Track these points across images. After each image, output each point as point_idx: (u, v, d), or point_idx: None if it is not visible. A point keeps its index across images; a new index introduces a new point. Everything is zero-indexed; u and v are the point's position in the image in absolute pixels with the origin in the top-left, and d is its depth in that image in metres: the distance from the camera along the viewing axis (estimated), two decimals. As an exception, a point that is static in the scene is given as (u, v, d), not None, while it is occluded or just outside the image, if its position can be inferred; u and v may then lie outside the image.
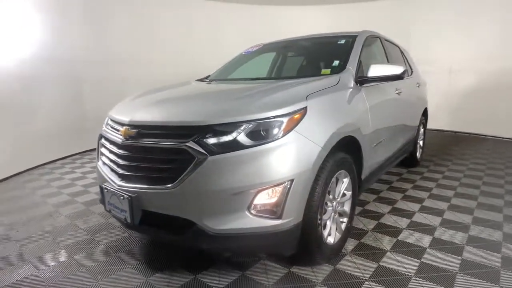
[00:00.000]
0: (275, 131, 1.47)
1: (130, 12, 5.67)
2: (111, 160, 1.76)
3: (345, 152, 1.90)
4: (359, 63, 2.30)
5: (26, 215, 2.70)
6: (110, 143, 1.81)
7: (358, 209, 2.69)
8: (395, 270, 1.81)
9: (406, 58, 3.76)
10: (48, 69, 4.35)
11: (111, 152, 1.78)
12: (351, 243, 2.12)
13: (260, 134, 1.47)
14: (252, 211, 1.45)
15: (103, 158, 1.88)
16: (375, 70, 2.23)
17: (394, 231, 2.28)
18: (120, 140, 1.68)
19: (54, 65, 4.44)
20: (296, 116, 1.54)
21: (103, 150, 1.90)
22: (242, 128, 1.46)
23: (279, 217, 1.47)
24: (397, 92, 2.84)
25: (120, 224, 2.14)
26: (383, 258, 1.93)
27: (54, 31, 4.48)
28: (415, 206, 2.74)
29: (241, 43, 4.34)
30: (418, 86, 3.72)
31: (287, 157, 1.47)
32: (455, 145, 5.41)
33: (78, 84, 4.93)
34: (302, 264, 1.85)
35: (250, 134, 1.46)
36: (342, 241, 1.98)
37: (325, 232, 1.79)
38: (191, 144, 1.45)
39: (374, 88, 2.40)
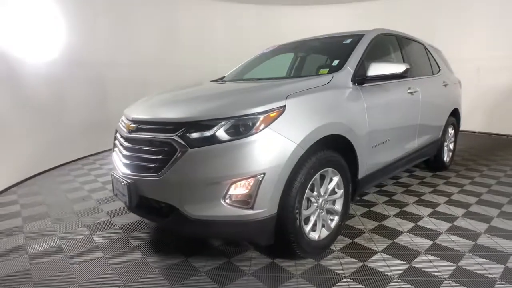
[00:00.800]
0: (250, 127, 1.58)
1: (152, 16, 5.93)
2: (119, 151, 2.01)
3: (333, 150, 1.93)
4: (361, 62, 2.28)
5: (65, 197, 3.14)
6: (120, 136, 2.07)
7: (362, 209, 2.67)
8: (378, 271, 1.80)
9: (432, 56, 3.56)
10: (76, 71, 4.58)
11: (120, 144, 2.03)
12: (343, 241, 2.14)
13: (238, 130, 1.59)
14: (227, 201, 1.58)
15: (116, 149, 2.15)
16: (375, 69, 2.21)
17: (392, 234, 2.23)
18: (125, 133, 1.93)
19: (82, 67, 4.67)
20: (273, 114, 1.63)
21: (116, 142, 2.17)
22: (221, 124, 1.60)
23: (251, 208, 1.58)
24: (409, 91, 2.74)
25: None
26: (371, 259, 1.92)
27: (81, 34, 4.70)
28: (425, 211, 2.62)
29: (261, 44, 4.45)
30: (445, 85, 3.50)
31: (260, 152, 1.56)
32: (499, 149, 4.94)
33: (104, 86, 5.15)
34: (286, 257, 1.92)
35: (229, 130, 1.59)
36: (330, 239, 2.01)
37: (307, 227, 1.84)
38: (175, 137, 1.63)
39: (378, 87, 2.37)
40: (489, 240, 2.12)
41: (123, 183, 1.82)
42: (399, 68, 2.18)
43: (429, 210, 2.63)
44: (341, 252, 2.00)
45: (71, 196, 3.18)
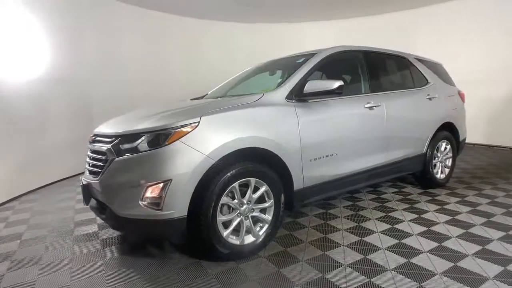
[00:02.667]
0: (163, 140, 1.86)
1: (139, 35, 5.96)
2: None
3: (257, 162, 2.11)
4: (302, 80, 2.42)
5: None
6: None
7: (319, 221, 2.72)
8: (289, 278, 1.89)
9: (417, 69, 3.47)
10: (59, 89, 4.47)
11: (87, 153, 2.45)
12: (273, 249, 2.25)
13: (155, 142, 1.88)
14: (144, 202, 1.86)
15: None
16: (311, 87, 2.33)
17: (330, 245, 2.28)
18: (88, 145, 2.34)
19: (66, 85, 4.58)
20: (186, 129, 1.89)
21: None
22: (142, 137, 1.90)
23: (161, 209, 1.83)
24: (368, 106, 2.75)
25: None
26: (290, 266, 2.01)
27: (65, 52, 4.60)
28: (381, 226, 2.58)
29: (250, 61, 4.64)
30: (430, 98, 3.37)
31: (168, 161, 1.82)
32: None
33: (87, 103, 5.03)
34: (211, 259, 2.10)
35: (148, 142, 1.89)
36: (257, 245, 2.15)
37: (225, 231, 2.02)
38: (109, 147, 1.98)
39: (320, 104, 2.47)
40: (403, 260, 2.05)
41: (81, 185, 2.22)
42: (333, 84, 2.27)
43: (386, 226, 2.58)
44: (266, 258, 2.12)
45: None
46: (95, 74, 5.14)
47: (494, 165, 4.69)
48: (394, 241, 2.31)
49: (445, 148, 3.65)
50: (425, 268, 1.94)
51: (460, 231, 2.46)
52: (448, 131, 3.64)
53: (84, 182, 2.18)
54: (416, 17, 6.83)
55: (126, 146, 1.93)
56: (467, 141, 5.80)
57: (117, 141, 1.97)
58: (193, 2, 5.88)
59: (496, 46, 6.05)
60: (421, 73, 3.51)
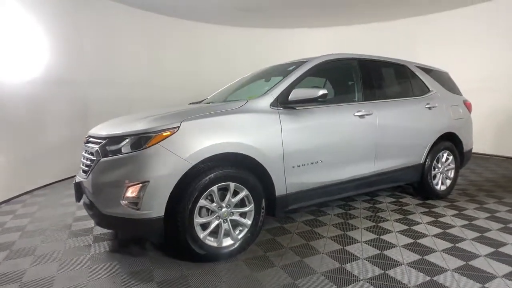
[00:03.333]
0: (144, 143, 1.95)
1: (138, 38, 5.95)
2: (83, 158, 2.59)
3: (236, 167, 2.16)
4: (288, 88, 2.45)
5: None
6: None
7: (304, 228, 2.73)
8: (261, 282, 1.93)
9: (419, 78, 3.41)
10: (58, 90, 4.49)
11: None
12: (253, 253, 2.28)
13: (137, 145, 1.98)
14: (124, 201, 1.96)
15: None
16: (296, 94, 2.37)
17: (309, 252, 2.29)
18: (83, 145, 2.49)
19: (65, 87, 4.61)
20: (166, 133, 1.97)
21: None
22: (126, 140, 2.01)
23: (139, 209, 1.92)
24: (358, 114, 2.74)
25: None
26: (265, 270, 2.04)
27: (63, 53, 4.60)
28: (367, 236, 2.55)
29: (248, 66, 4.69)
30: (430, 108, 3.29)
31: (146, 163, 1.91)
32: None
33: (86, 105, 5.02)
34: (189, 260, 2.17)
35: (131, 145, 1.99)
36: (235, 248, 2.20)
37: (202, 233, 2.09)
38: (97, 149, 2.11)
39: (306, 111, 2.49)
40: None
41: (74, 183, 2.37)
42: (316, 92, 2.30)
43: (372, 236, 2.56)
44: (242, 261, 2.17)
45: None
46: (94, 76, 5.13)
47: (507, 178, 4.48)
48: (375, 252, 2.29)
49: (447, 159, 3.54)
50: (399, 281, 1.91)
51: (448, 245, 2.39)
52: (451, 141, 3.53)
53: (77, 180, 2.32)
54: (418, 25, 6.79)
55: (111, 148, 2.04)
56: (483, 151, 5.65)
57: (104, 142, 2.09)
58: (193, 6, 5.85)
59: (500, 54, 5.90)
60: (422, 81, 3.43)
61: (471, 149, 3.85)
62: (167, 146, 1.95)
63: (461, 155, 3.68)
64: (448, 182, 3.58)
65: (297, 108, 2.47)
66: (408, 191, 3.82)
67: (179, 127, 2.01)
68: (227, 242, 2.19)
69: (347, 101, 2.85)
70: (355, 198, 3.58)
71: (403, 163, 3.12)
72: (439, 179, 3.49)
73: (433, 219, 2.93)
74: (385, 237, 2.55)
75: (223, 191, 2.18)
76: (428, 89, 3.44)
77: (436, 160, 3.43)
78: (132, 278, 1.97)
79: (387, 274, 1.99)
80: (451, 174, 3.60)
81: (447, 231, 2.65)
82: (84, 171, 2.27)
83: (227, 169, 2.12)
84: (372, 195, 3.69)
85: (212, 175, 2.06)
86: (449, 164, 3.57)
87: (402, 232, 2.64)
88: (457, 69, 6.08)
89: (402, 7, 6.23)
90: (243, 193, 2.21)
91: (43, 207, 3.47)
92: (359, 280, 1.92)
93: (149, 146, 1.94)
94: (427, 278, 1.94)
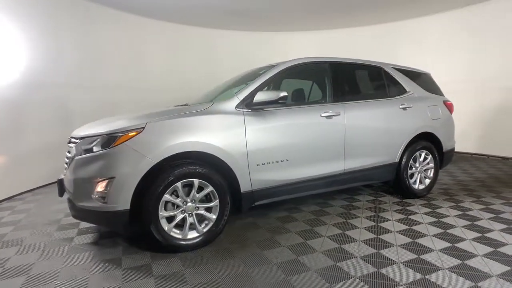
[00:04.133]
0: (111, 143, 2.15)
1: (120, 40, 5.84)
2: (68, 158, 2.82)
3: (200, 164, 2.33)
4: (255, 91, 2.60)
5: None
6: None
7: (275, 224, 2.86)
8: (212, 271, 2.08)
9: (395, 79, 3.48)
10: (37, 94, 4.41)
11: None
12: (214, 246, 2.43)
13: (106, 144, 2.18)
14: (95, 195, 2.16)
15: None
16: (259, 97, 2.52)
17: (270, 245, 2.42)
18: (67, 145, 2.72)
19: (44, 90, 4.51)
20: (132, 133, 2.16)
21: None
22: (97, 139, 2.21)
23: (106, 202, 2.12)
24: (325, 115, 2.86)
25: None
26: (226, 260, 2.19)
27: (42, 57, 4.51)
28: (332, 231, 2.65)
29: (233, 68, 4.78)
30: (405, 108, 3.36)
31: (113, 160, 2.11)
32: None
33: (67, 109, 4.93)
34: (156, 251, 2.35)
35: (101, 144, 2.19)
36: (200, 241, 2.36)
37: (166, 226, 2.26)
38: (73, 148, 2.32)
39: (273, 113, 2.63)
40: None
41: (58, 180, 2.59)
42: (276, 95, 2.45)
43: (337, 231, 2.66)
44: (207, 253, 2.33)
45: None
46: (75, 79, 5.05)
47: (496, 178, 4.45)
48: (334, 245, 2.40)
49: (425, 159, 3.59)
50: (346, 272, 2.02)
51: (407, 240, 2.47)
52: (429, 141, 3.58)
53: (60, 177, 2.55)
54: (401, 29, 7.04)
55: (84, 147, 2.25)
56: (479, 151, 5.60)
57: (79, 142, 2.30)
58: (179, 8, 5.81)
59: (484, 56, 6.07)
60: (399, 82, 3.51)
61: (452, 149, 3.88)
62: (132, 145, 2.14)
63: (441, 155, 3.71)
64: (428, 181, 3.63)
65: (266, 109, 2.61)
66: (389, 190, 3.88)
67: (144, 127, 2.20)
68: (192, 234, 2.36)
69: (316, 103, 2.98)
70: (334, 196, 3.67)
71: (376, 162, 3.20)
72: (416, 178, 3.55)
73: (403, 216, 3.00)
74: (349, 232, 2.65)
75: (190, 187, 2.35)
76: (405, 90, 3.51)
77: (413, 160, 3.49)
78: (102, 265, 2.16)
79: (338, 266, 2.09)
80: (430, 173, 3.64)
81: (412, 227, 2.72)
82: (65, 169, 2.49)
83: (191, 167, 2.29)
84: (353, 193, 3.78)
85: (175, 172, 2.23)
86: (428, 164, 3.62)
87: (367, 228, 2.73)
88: (445, 70, 6.24)
89: (388, 12, 6.42)
90: (208, 189, 2.37)
91: (41, 204, 3.74)
92: (309, 270, 2.04)
93: (116, 145, 2.14)
94: (374, 269, 2.04)
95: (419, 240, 2.45)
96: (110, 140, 2.17)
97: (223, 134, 2.40)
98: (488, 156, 6.13)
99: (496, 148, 6.05)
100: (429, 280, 1.89)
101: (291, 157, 2.69)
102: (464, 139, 6.17)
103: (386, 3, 5.90)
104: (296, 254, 2.27)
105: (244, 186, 2.51)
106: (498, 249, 2.27)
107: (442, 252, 2.24)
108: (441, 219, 2.89)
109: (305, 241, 2.50)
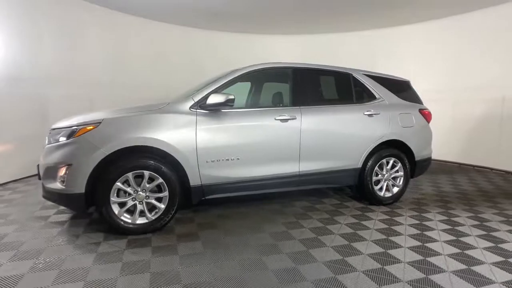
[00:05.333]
0: (72, 134, 2.48)
1: (102, 38, 5.80)
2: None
3: (151, 158, 2.60)
4: (209, 93, 2.81)
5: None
6: None
7: (222, 211, 3.06)
8: (152, 254, 2.33)
9: (364, 85, 3.54)
10: (15, 87, 4.38)
11: None
12: (166, 233, 2.69)
13: (69, 135, 2.51)
14: (58, 180, 2.50)
15: None
16: (211, 99, 2.74)
17: (209, 239, 2.63)
18: None
19: (22, 84, 4.49)
20: (89, 127, 2.48)
21: None
22: (62, 131, 2.56)
23: (65, 186, 2.45)
24: (280, 118, 3.00)
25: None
26: (164, 249, 2.44)
27: (21, 50, 4.51)
28: (277, 228, 2.81)
29: (214, 68, 4.83)
30: (371, 115, 3.40)
31: (71, 150, 2.43)
32: None
33: (47, 103, 4.91)
34: (111, 232, 2.65)
35: (66, 136, 2.53)
36: (147, 226, 2.62)
37: (117, 210, 2.54)
38: (46, 138, 2.69)
39: (227, 114, 2.84)
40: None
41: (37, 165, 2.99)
42: (224, 98, 2.66)
43: (281, 229, 2.80)
44: (154, 235, 2.59)
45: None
46: (53, 74, 4.99)
47: (481, 191, 4.30)
48: (271, 242, 2.56)
49: (394, 166, 3.60)
50: (259, 264, 2.18)
51: (344, 242, 2.56)
52: (399, 149, 3.59)
53: (38, 163, 2.94)
54: (381, 37, 7.17)
55: (53, 137, 2.61)
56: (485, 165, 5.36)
57: (50, 133, 2.66)
58: (164, 7, 5.79)
59: (463, 66, 6.16)
60: (368, 89, 3.55)
61: (426, 159, 3.83)
62: (88, 137, 2.46)
63: (412, 164, 3.69)
64: (396, 189, 3.63)
65: (223, 111, 2.83)
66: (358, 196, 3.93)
67: (100, 122, 2.51)
68: (142, 220, 2.63)
69: (274, 106, 3.13)
70: (301, 197, 3.79)
71: (335, 166, 3.28)
72: (383, 185, 3.57)
73: (356, 221, 3.07)
74: (293, 231, 2.78)
75: (143, 177, 2.62)
76: (374, 96, 3.55)
77: (379, 166, 3.51)
78: (62, 238, 2.50)
79: (263, 262, 2.26)
80: (400, 181, 3.64)
81: (357, 232, 2.80)
82: (43, 155, 2.88)
83: (142, 159, 2.57)
84: (319, 196, 3.87)
85: (127, 163, 2.52)
86: (396, 171, 3.62)
87: (313, 229, 2.84)
88: (425, 79, 6.36)
89: (371, 19, 6.54)
90: (158, 181, 2.63)
91: (35, 189, 4.23)
92: (234, 260, 2.23)
93: (76, 137, 2.47)
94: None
95: (355, 245, 2.53)
96: (72, 132, 2.50)
97: (173, 132, 2.65)
98: (492, 169, 5.85)
99: (500, 161, 5.77)
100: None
101: (242, 156, 2.88)
102: (472, 150, 6.08)
103: (371, 10, 5.99)
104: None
105: (194, 180, 2.74)
106: (428, 259, 2.31)
107: (370, 257, 2.32)
108: (391, 227, 2.93)
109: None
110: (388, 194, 3.59)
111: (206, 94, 2.82)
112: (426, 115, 3.80)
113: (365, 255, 2.36)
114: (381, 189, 3.56)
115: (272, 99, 3.40)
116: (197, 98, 2.82)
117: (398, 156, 3.58)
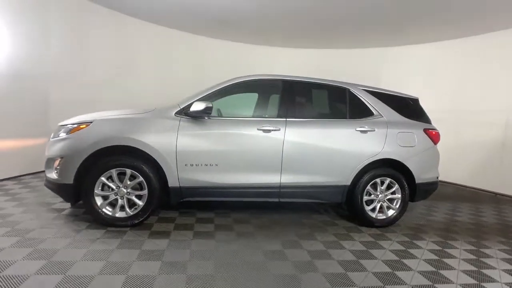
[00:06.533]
0: (67, 131, 2.81)
1: (111, 38, 5.83)
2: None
3: (133, 157, 2.82)
4: (193, 102, 2.95)
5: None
6: None
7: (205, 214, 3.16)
8: (125, 244, 2.51)
9: (359, 100, 3.43)
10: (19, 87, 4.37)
11: None
12: (145, 228, 2.87)
13: (67, 132, 2.84)
14: (54, 170, 2.84)
15: None
16: (193, 107, 2.89)
17: (177, 240, 2.74)
18: None
19: (26, 83, 4.50)
20: (82, 126, 2.78)
21: None
22: (63, 128, 2.90)
23: (58, 176, 2.76)
24: (263, 129, 3.03)
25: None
26: (136, 241, 2.62)
27: (26, 49, 4.51)
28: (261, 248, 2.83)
29: (219, 76, 4.87)
30: (365, 131, 3.26)
31: (65, 145, 2.74)
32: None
33: (51, 103, 4.94)
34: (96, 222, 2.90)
35: (65, 132, 2.87)
36: (126, 220, 2.83)
37: (100, 202, 2.78)
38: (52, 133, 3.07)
39: (211, 122, 2.97)
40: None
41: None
42: (202, 106, 2.80)
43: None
44: (132, 231, 2.78)
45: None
46: (59, 74, 5.03)
47: (497, 224, 3.82)
48: (236, 246, 2.59)
49: (390, 187, 3.40)
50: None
51: (313, 267, 2.50)
52: (397, 169, 3.38)
53: (49, 154, 3.35)
54: (385, 55, 7.30)
55: (57, 132, 2.97)
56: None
57: (56, 129, 3.04)
58: (170, 13, 5.81)
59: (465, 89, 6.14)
60: (365, 105, 3.43)
61: (431, 182, 3.53)
62: (80, 135, 2.76)
63: (412, 186, 3.44)
64: (391, 212, 3.41)
65: (207, 117, 2.97)
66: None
67: (91, 122, 2.80)
68: (121, 214, 2.85)
69: (260, 117, 3.18)
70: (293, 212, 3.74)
71: (320, 181, 3.19)
72: (376, 206, 3.38)
73: (335, 239, 2.96)
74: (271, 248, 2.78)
75: (125, 174, 2.85)
76: (371, 113, 3.41)
77: (372, 185, 3.35)
78: (54, 221, 2.82)
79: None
80: (396, 204, 3.42)
81: (328, 250, 2.70)
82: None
83: (125, 158, 2.80)
84: (313, 212, 3.78)
85: (111, 160, 2.76)
86: (393, 193, 3.41)
87: (289, 247, 2.80)
88: (432, 98, 6.17)
89: (378, 37, 6.57)
90: (139, 179, 2.84)
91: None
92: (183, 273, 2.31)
93: (71, 134, 2.79)
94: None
95: (321, 265, 2.46)
96: (69, 129, 2.84)
97: (155, 134, 2.84)
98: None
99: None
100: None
101: (221, 162, 2.97)
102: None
103: (379, 29, 6.07)
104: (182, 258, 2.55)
105: (172, 181, 2.90)
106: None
107: (325, 277, 2.24)
108: (370, 250, 2.77)
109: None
110: (382, 216, 3.39)
111: (191, 102, 2.98)
112: (433, 136, 3.53)
113: (321, 273, 2.27)
114: (373, 210, 3.38)
115: (259, 109, 3.46)
116: (183, 105, 3.00)
117: (395, 176, 3.37)
